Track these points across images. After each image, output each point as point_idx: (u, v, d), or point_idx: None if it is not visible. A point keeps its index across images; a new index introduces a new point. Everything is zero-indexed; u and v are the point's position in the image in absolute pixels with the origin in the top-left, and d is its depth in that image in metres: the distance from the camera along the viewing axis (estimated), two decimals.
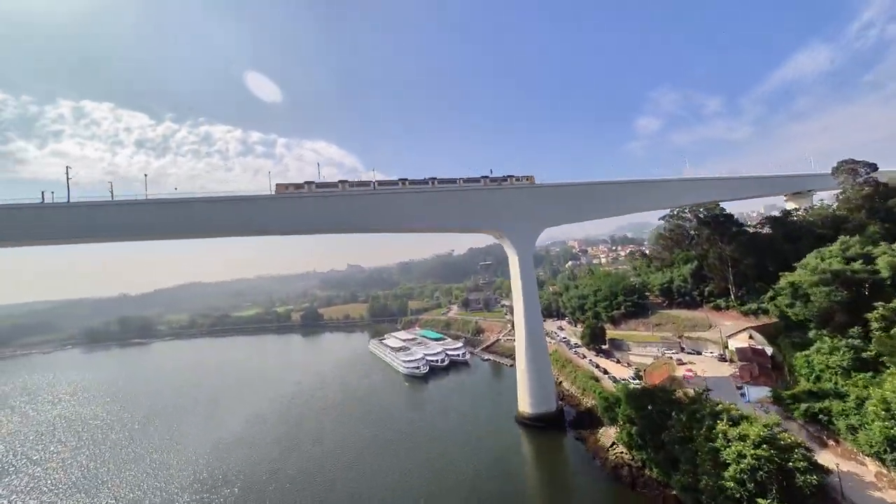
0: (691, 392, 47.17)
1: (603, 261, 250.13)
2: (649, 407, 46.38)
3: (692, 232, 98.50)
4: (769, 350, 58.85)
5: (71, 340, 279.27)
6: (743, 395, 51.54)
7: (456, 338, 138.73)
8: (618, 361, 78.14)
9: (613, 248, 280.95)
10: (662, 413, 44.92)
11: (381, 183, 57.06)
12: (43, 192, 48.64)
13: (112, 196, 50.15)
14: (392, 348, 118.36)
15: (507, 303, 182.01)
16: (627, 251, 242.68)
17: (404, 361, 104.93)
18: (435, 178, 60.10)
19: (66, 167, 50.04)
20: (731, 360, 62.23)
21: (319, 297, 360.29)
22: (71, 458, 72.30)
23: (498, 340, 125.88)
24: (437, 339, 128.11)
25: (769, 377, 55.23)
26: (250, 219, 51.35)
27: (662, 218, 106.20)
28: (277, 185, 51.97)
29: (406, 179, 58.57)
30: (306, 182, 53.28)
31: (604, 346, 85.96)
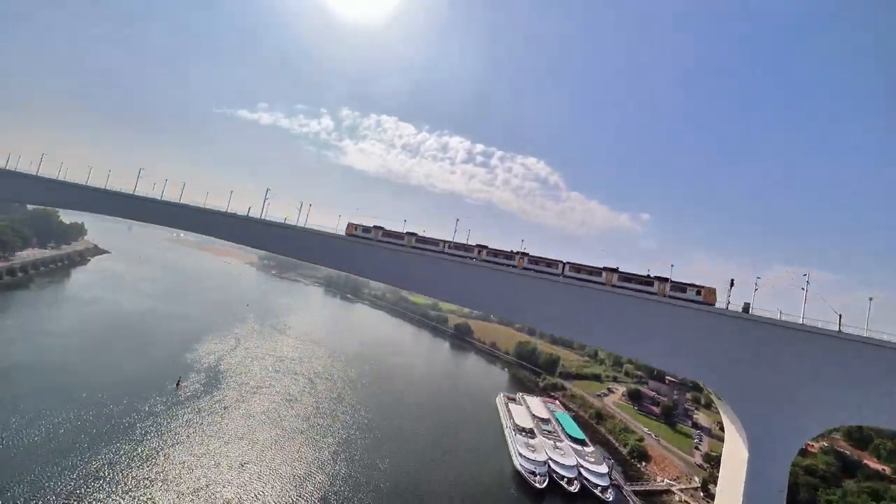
0: None
1: None
2: None
3: None
4: None
5: (321, 280, 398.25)
6: None
7: (603, 446, 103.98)
8: None
9: None
10: None
11: (455, 246, 44.80)
12: (249, 208, 62.80)
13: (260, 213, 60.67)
14: (516, 424, 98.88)
15: (703, 422, 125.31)
16: None
17: (522, 455, 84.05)
18: (526, 254, 43.28)
19: (229, 191, 63.13)
20: None
21: None
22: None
23: (670, 491, 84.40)
24: (575, 440, 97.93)
25: None
26: (331, 254, 52.45)
27: None
28: (349, 224, 52.10)
29: (484, 247, 45.12)
30: (374, 227, 49.51)
31: None
